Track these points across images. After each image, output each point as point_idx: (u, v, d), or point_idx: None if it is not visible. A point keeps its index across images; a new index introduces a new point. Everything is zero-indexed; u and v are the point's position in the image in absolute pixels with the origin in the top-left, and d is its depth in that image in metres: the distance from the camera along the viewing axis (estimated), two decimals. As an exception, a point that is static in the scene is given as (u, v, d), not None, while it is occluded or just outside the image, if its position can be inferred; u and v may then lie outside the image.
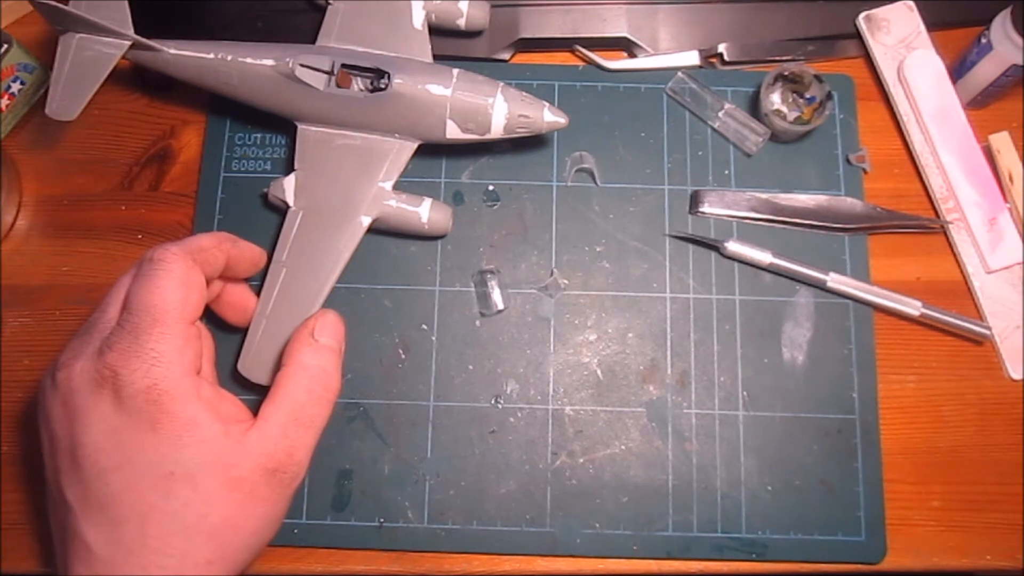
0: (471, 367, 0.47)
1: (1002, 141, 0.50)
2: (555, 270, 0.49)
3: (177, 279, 0.36)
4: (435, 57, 0.47)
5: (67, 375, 0.35)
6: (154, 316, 0.35)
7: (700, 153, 0.51)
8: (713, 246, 0.49)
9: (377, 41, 0.47)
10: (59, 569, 0.35)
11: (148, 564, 0.33)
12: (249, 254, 0.43)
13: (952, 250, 0.50)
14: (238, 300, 0.44)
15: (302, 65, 0.45)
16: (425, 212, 0.46)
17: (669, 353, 0.47)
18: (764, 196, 0.49)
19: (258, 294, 0.45)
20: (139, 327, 0.34)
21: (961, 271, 0.49)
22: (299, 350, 0.39)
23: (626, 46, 0.53)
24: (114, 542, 0.33)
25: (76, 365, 0.35)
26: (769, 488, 0.45)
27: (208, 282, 0.39)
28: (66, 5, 0.44)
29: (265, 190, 0.48)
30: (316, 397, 0.38)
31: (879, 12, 0.52)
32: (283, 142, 0.51)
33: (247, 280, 0.46)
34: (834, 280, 0.48)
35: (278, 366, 0.39)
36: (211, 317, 0.45)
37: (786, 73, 0.49)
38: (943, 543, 0.45)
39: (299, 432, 0.37)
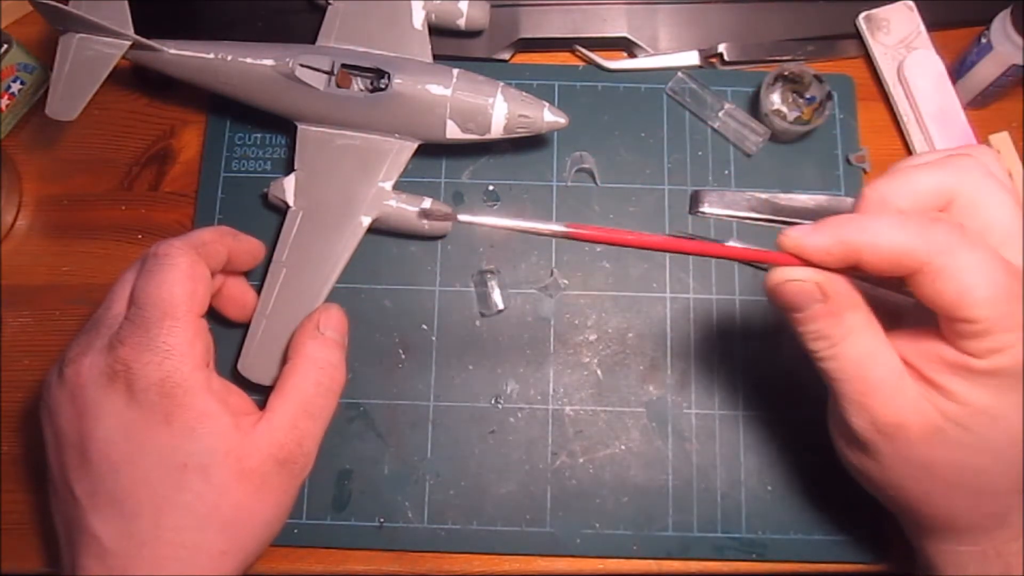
0: (471, 367, 0.47)
1: (1002, 141, 0.50)
2: (555, 270, 0.49)
3: (184, 272, 0.36)
4: (435, 57, 0.47)
5: (76, 370, 0.35)
6: (163, 310, 0.35)
7: (700, 153, 0.51)
8: (713, 246, 0.49)
9: (377, 41, 0.47)
10: (67, 566, 0.35)
11: (162, 556, 0.33)
12: (249, 247, 0.43)
13: (952, 250, 0.50)
14: (238, 295, 0.45)
15: (302, 65, 0.45)
16: (425, 212, 0.46)
17: (669, 353, 0.47)
18: (764, 196, 0.49)
19: (258, 294, 0.45)
20: (149, 321, 0.35)
21: (961, 271, 0.49)
22: (305, 343, 0.39)
23: (626, 46, 0.53)
24: (127, 535, 0.33)
25: (85, 360, 0.35)
26: (769, 488, 0.45)
27: (211, 275, 0.39)
28: (66, 5, 0.44)
29: (265, 190, 0.48)
30: (324, 389, 0.38)
31: (879, 12, 0.52)
32: (283, 142, 0.51)
33: (247, 276, 0.46)
34: (834, 280, 0.47)
35: (279, 365, 0.40)
36: (210, 313, 0.45)
37: (786, 73, 0.49)
38: (943, 543, 0.45)
39: (308, 423, 0.37)
